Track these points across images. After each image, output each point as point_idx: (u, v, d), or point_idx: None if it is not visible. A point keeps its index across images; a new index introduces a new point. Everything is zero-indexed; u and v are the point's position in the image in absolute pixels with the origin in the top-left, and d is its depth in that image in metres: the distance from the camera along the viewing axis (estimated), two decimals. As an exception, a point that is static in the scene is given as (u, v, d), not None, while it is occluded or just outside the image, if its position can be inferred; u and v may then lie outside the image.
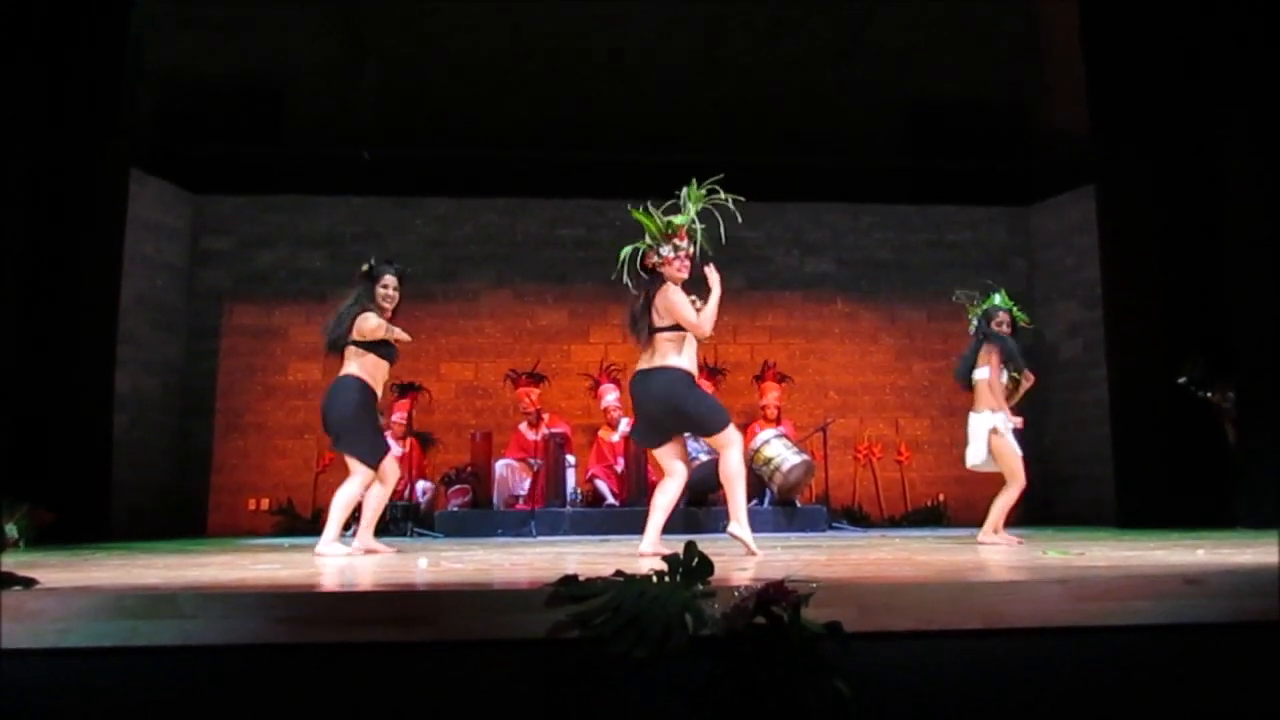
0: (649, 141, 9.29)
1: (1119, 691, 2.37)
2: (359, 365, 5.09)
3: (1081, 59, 8.06)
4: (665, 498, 4.68)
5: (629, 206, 4.75)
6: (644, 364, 4.67)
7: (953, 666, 2.37)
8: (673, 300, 4.62)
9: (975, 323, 5.79)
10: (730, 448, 4.58)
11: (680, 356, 4.61)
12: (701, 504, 7.81)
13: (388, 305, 5.22)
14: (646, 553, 4.44)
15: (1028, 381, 5.69)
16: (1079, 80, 8.12)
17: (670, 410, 4.57)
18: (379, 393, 5.19)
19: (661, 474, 4.78)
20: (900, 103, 9.95)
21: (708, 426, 4.62)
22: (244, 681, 2.28)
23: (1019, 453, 5.52)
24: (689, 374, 4.62)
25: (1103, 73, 7.90)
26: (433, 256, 9.81)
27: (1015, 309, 5.82)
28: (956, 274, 9.64)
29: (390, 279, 5.24)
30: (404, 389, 8.64)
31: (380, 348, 5.13)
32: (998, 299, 5.82)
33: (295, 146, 9.55)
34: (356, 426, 5.04)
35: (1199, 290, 7.28)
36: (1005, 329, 5.69)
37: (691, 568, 2.42)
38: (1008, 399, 5.62)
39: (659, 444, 4.70)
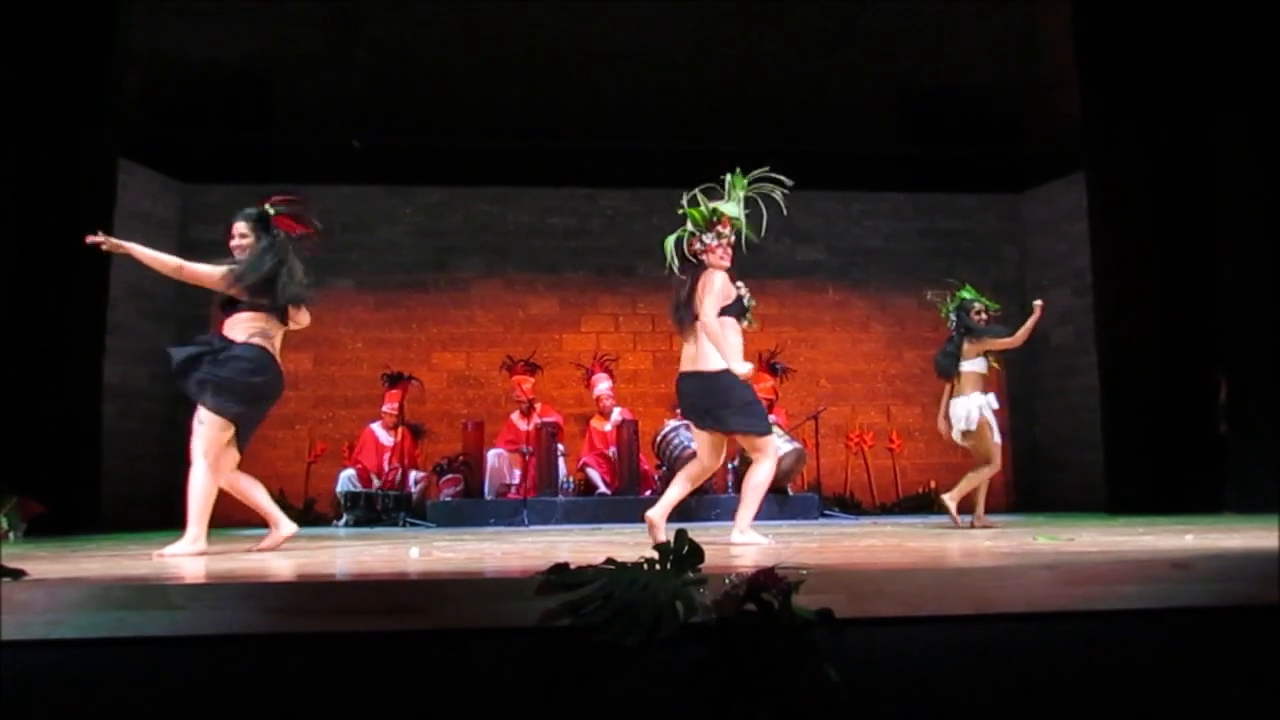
0: (640, 130, 9.26)
1: (1108, 675, 2.39)
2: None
3: (1073, 46, 8.05)
4: (691, 473, 4.54)
5: (683, 203, 4.59)
6: (688, 362, 4.49)
7: (943, 652, 2.39)
8: (707, 286, 4.44)
9: (954, 318, 6.00)
10: (764, 459, 4.40)
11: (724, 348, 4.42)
12: (692, 493, 7.81)
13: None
14: (652, 519, 4.38)
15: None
16: (1070, 67, 8.12)
17: (714, 403, 4.39)
18: None
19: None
20: (892, 90, 9.93)
21: (748, 426, 4.41)
22: (235, 672, 2.28)
23: (998, 440, 5.86)
24: (733, 375, 4.39)
25: (1094, 60, 7.90)
26: (424, 246, 9.79)
27: (982, 298, 6.05)
28: (948, 262, 9.66)
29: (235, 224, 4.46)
30: (394, 379, 8.62)
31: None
32: (966, 293, 6.04)
33: (285, 135, 9.49)
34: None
35: (1190, 277, 7.30)
36: (983, 318, 5.94)
37: (682, 555, 2.42)
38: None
39: (708, 428, 4.51)
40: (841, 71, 9.35)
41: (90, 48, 7.29)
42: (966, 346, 5.86)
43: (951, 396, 5.92)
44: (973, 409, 5.78)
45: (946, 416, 5.94)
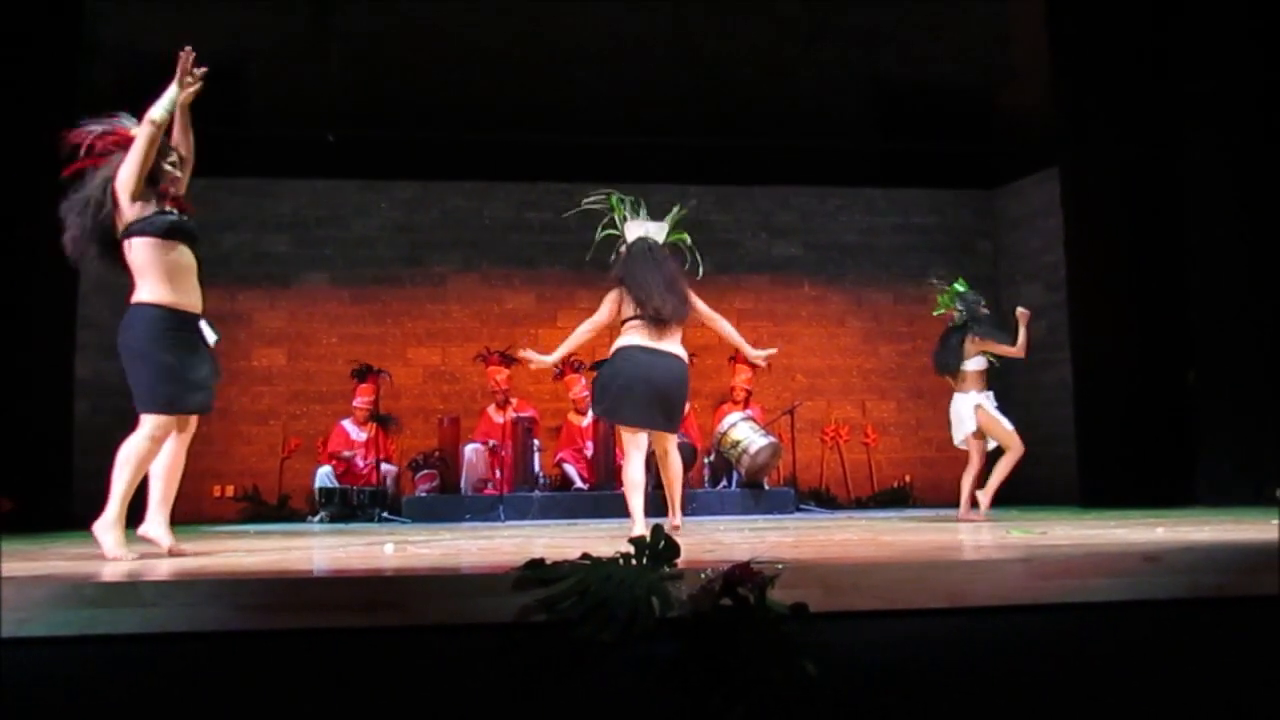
0: (617, 124, 9.23)
1: (1080, 667, 2.41)
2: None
3: (1047, 42, 8.11)
4: (673, 469, 4.93)
5: (604, 194, 4.75)
6: (664, 345, 4.69)
7: (918, 645, 2.40)
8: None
9: (961, 310, 6.05)
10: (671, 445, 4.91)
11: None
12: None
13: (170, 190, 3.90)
14: (678, 525, 4.78)
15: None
16: (1044, 63, 8.18)
17: (681, 400, 4.75)
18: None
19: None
20: (867, 85, 9.96)
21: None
22: (208, 669, 2.26)
23: (1009, 424, 5.99)
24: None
25: (1068, 56, 7.96)
26: (399, 240, 9.72)
27: (974, 292, 6.15)
28: (923, 257, 9.72)
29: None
30: (363, 373, 8.55)
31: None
32: (961, 287, 6.12)
33: (258, 128, 9.39)
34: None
35: (1161, 272, 7.38)
36: (984, 310, 6.04)
37: (658, 550, 2.42)
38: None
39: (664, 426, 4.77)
40: (817, 67, 9.37)
41: (58, 39, 7.18)
42: (968, 345, 5.90)
43: (959, 391, 6.01)
44: (968, 411, 5.89)
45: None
